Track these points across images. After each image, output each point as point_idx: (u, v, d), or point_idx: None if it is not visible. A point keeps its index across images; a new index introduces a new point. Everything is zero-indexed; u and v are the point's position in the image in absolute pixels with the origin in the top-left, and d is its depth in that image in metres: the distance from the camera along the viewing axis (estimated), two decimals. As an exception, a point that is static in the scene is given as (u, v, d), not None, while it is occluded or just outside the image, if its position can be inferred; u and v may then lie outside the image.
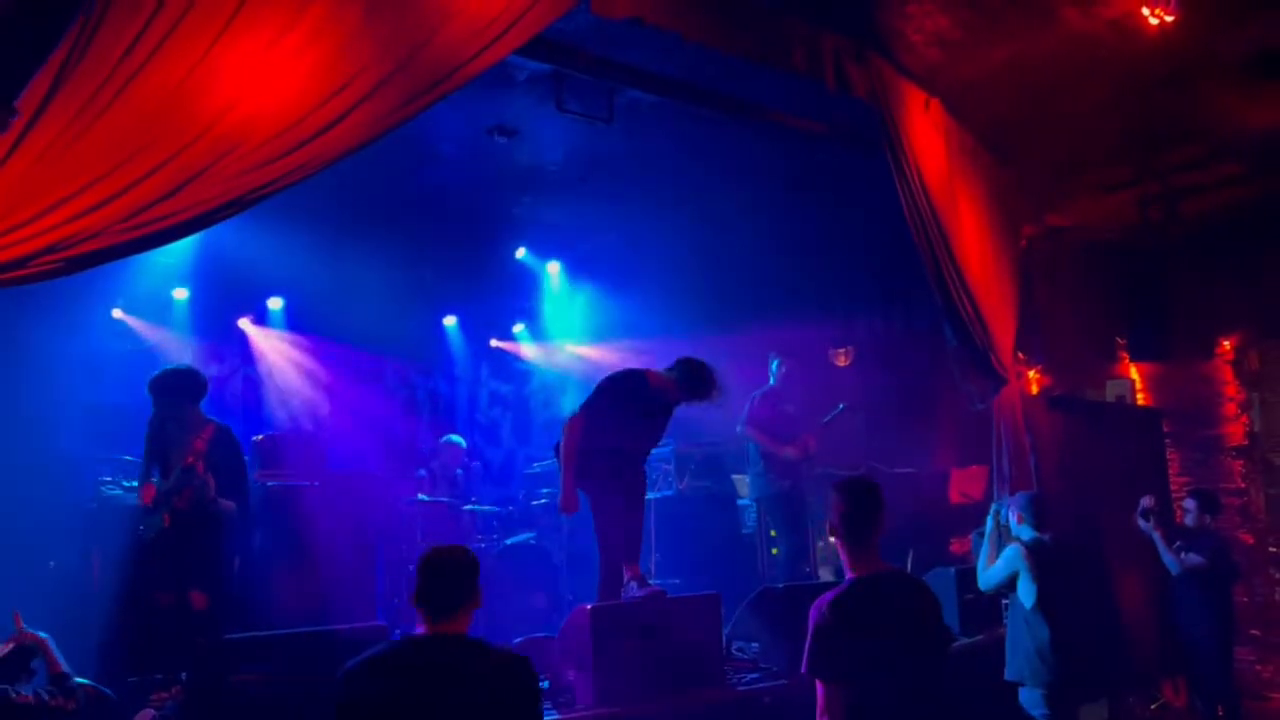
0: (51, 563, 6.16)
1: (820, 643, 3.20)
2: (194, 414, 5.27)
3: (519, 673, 2.86)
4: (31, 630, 3.76)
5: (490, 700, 2.76)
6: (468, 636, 2.88)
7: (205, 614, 4.96)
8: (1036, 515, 5.26)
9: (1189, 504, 6.62)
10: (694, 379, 5.39)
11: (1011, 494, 6.33)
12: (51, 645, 3.76)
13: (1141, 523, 6.46)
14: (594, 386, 5.54)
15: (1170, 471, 8.52)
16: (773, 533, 7.51)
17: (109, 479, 6.40)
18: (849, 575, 3.36)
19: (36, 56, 3.00)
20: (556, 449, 5.42)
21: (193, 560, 5.04)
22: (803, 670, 3.23)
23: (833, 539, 3.44)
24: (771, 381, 7.40)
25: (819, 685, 3.21)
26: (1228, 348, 8.58)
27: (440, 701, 2.72)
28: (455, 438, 8.52)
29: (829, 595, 3.29)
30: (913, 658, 3.25)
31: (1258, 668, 7.99)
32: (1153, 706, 7.16)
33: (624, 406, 5.38)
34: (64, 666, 3.69)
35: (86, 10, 3.10)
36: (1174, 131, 7.04)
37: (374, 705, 2.70)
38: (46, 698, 3.47)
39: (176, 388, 5.23)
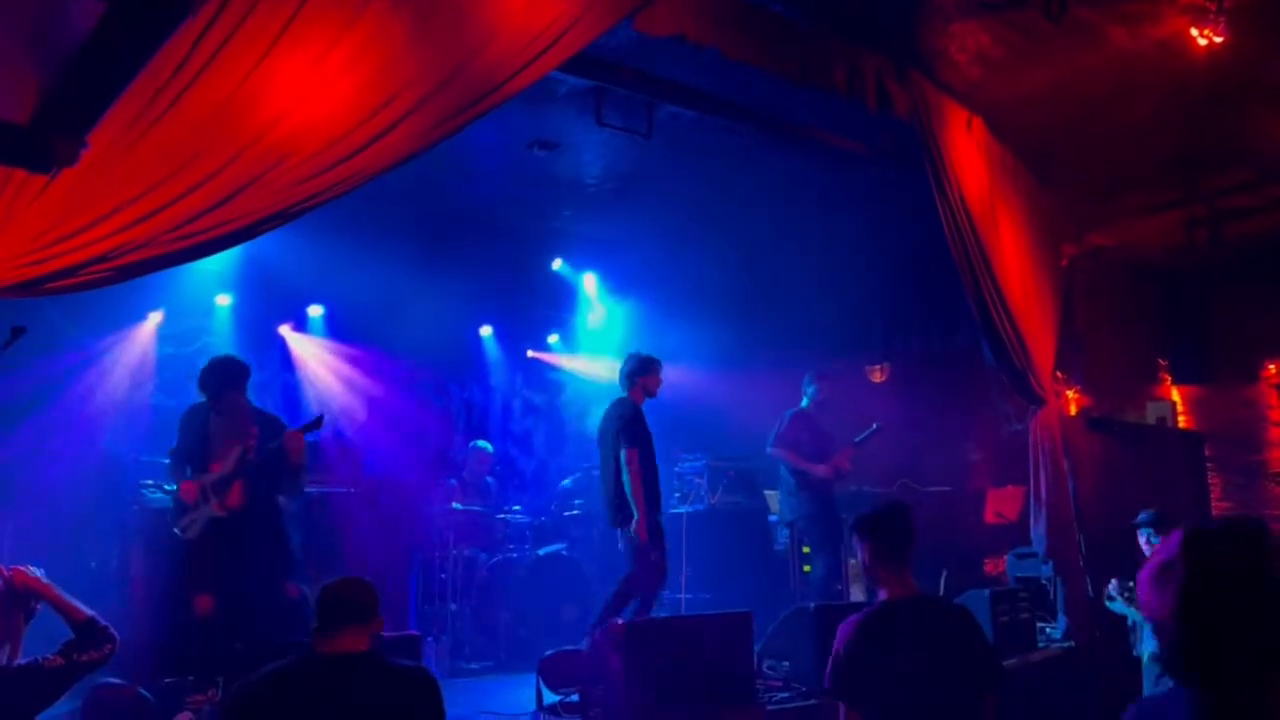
0: (93, 563, 6.27)
1: (843, 664, 3.20)
2: (241, 402, 5.30)
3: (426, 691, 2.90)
4: (22, 568, 3.37)
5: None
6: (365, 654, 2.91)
7: (294, 604, 5.03)
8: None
9: None
10: (637, 360, 6.21)
11: (1047, 515, 6.28)
12: (57, 589, 3.40)
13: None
14: (614, 420, 6.02)
15: (1212, 496, 8.38)
16: (805, 549, 7.47)
17: (151, 482, 6.50)
18: (880, 597, 3.35)
19: (111, 93, 3.07)
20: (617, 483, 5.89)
21: (256, 556, 5.03)
22: (825, 688, 3.26)
23: (855, 560, 3.44)
24: (804, 403, 7.37)
25: (841, 706, 3.22)
26: (1273, 371, 8.44)
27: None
28: (482, 443, 8.59)
29: (856, 617, 3.29)
30: (939, 684, 3.17)
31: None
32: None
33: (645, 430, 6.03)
34: (86, 610, 3.39)
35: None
36: (1220, 154, 6.94)
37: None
38: (78, 655, 3.29)
39: (220, 376, 5.26)
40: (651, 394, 6.24)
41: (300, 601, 5.13)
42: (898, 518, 3.38)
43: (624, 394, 6.19)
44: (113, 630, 3.39)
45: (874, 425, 7.30)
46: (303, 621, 4.64)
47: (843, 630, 3.25)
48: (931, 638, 3.25)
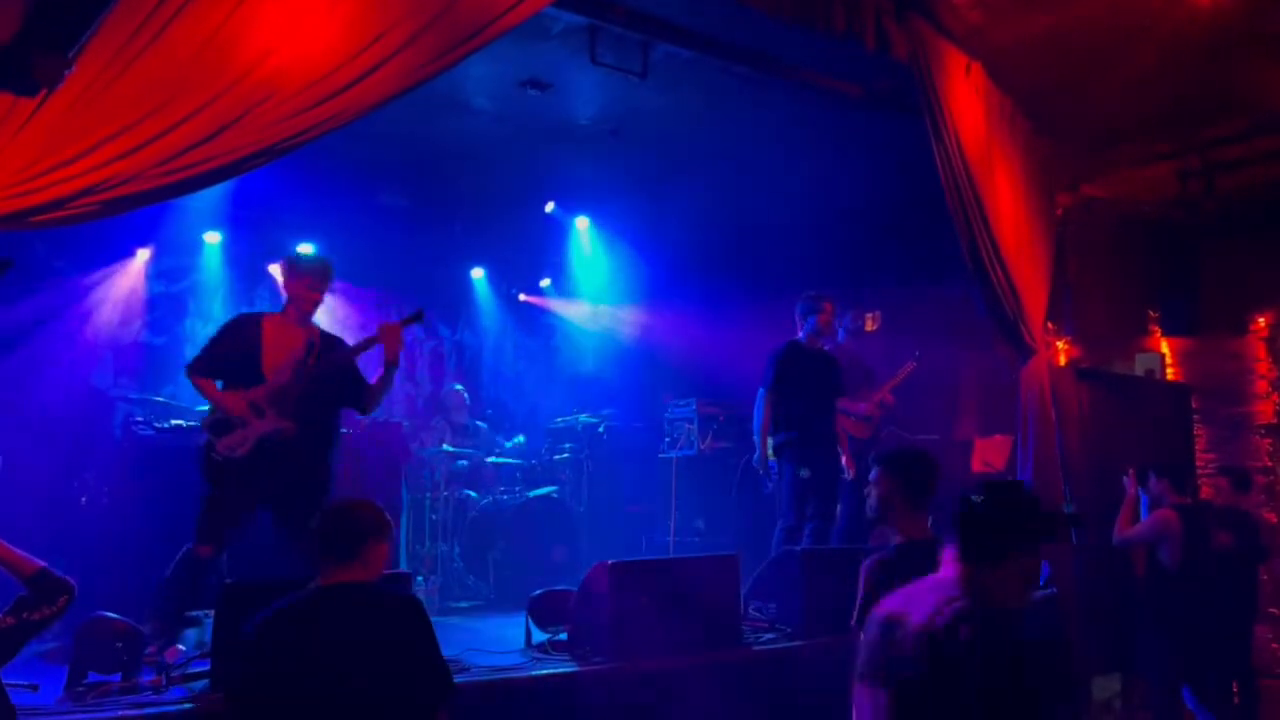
0: (83, 498, 6.29)
1: (866, 600, 3.37)
2: (311, 308, 4.88)
3: (409, 612, 3.06)
4: None
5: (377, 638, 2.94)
6: (361, 583, 3.04)
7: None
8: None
9: (1221, 482, 6.55)
10: (800, 300, 6.43)
11: (1034, 464, 6.33)
12: (3, 542, 3.19)
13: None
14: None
15: (1196, 448, 8.45)
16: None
17: (140, 419, 6.50)
18: (897, 539, 3.51)
19: (93, 12, 3.01)
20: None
21: (303, 481, 4.67)
22: (852, 624, 3.42)
23: (890, 502, 3.51)
24: (841, 337, 7.28)
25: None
26: (1262, 325, 8.45)
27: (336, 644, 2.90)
28: (456, 386, 8.62)
29: (877, 556, 3.49)
30: None
31: (1274, 646, 7.97)
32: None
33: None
34: (36, 561, 3.20)
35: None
36: (1217, 105, 6.88)
37: (277, 652, 2.88)
38: (29, 614, 3.13)
39: (309, 268, 4.83)
40: (819, 333, 6.48)
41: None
42: (923, 463, 3.52)
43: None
44: (69, 581, 3.25)
45: (916, 353, 7.27)
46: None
47: (865, 569, 3.45)
48: None
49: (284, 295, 4.93)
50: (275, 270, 8.77)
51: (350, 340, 5.12)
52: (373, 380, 4.93)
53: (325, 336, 4.95)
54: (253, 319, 4.85)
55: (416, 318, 4.95)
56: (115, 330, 7.66)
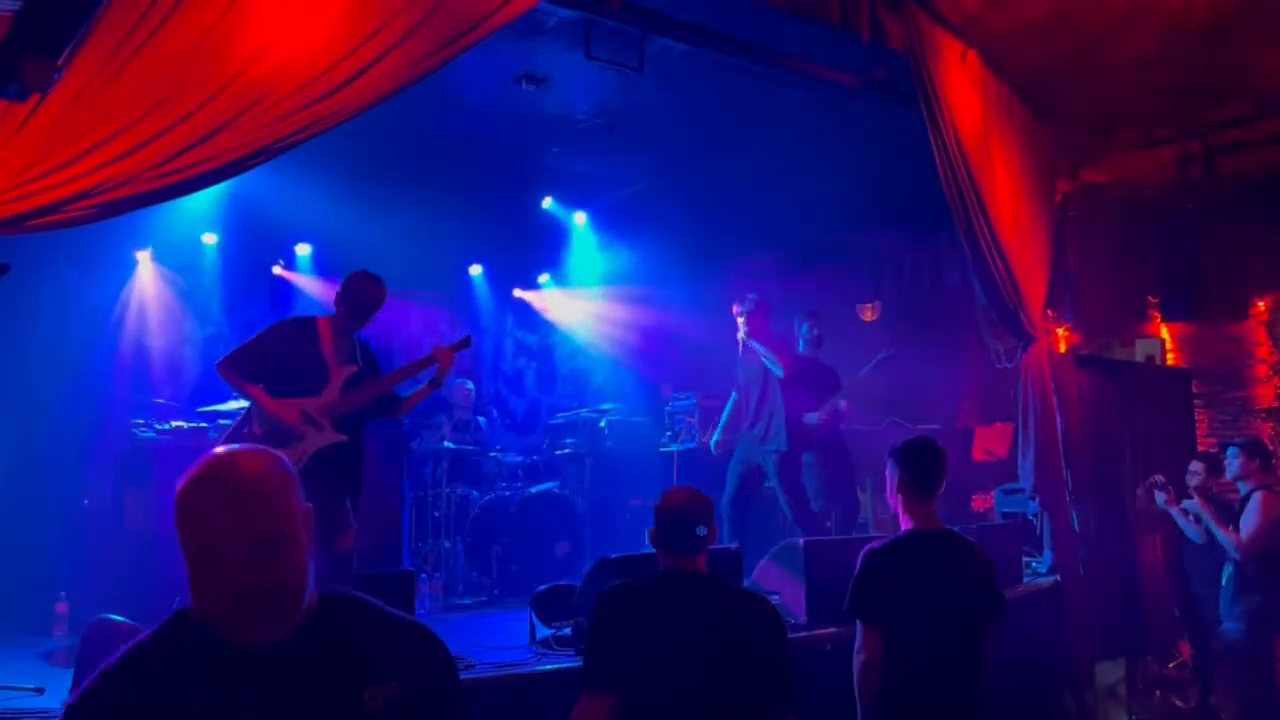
0: (86, 501, 6.30)
1: (863, 586, 3.39)
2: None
3: (760, 610, 2.91)
4: None
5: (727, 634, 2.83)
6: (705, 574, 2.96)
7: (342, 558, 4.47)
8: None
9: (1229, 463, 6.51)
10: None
11: (1035, 451, 6.31)
12: None
13: (1164, 500, 6.21)
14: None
15: (1198, 433, 8.45)
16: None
17: (140, 421, 6.50)
18: (904, 528, 3.51)
19: (83, 16, 2.99)
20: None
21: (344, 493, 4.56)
22: (844, 608, 3.42)
23: (897, 493, 3.52)
24: (801, 348, 7.25)
25: (858, 624, 3.40)
26: (1262, 309, 8.45)
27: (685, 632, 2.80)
28: (469, 385, 8.62)
29: (879, 543, 3.49)
30: (950, 614, 3.37)
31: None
32: (1170, 665, 7.17)
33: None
34: None
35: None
36: (1217, 88, 6.86)
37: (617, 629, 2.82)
38: None
39: (376, 297, 4.69)
40: (743, 334, 6.74)
41: (347, 557, 4.51)
42: (929, 451, 3.51)
43: None
44: None
45: (881, 354, 7.14)
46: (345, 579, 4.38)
47: (864, 554, 3.44)
48: (946, 568, 3.43)
49: (338, 305, 4.72)
50: (282, 272, 8.81)
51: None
52: (409, 392, 4.98)
53: (366, 350, 4.85)
54: (308, 324, 4.66)
55: (465, 343, 5.04)
56: (117, 334, 7.65)
